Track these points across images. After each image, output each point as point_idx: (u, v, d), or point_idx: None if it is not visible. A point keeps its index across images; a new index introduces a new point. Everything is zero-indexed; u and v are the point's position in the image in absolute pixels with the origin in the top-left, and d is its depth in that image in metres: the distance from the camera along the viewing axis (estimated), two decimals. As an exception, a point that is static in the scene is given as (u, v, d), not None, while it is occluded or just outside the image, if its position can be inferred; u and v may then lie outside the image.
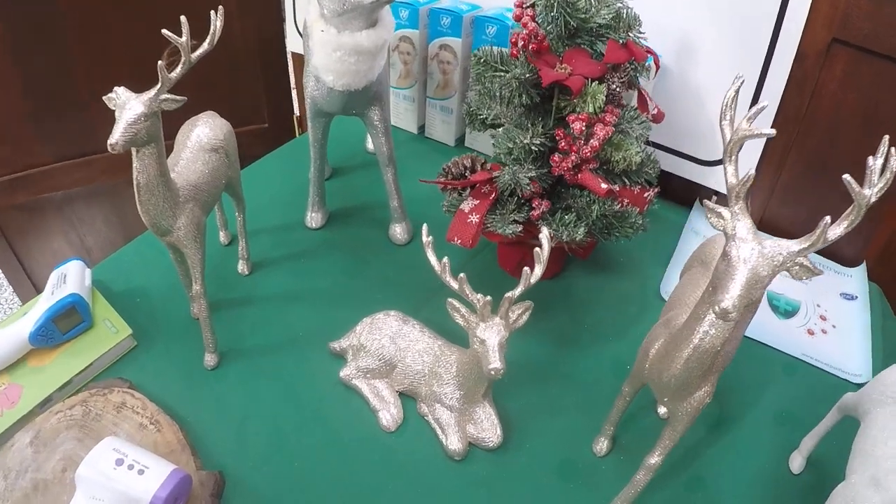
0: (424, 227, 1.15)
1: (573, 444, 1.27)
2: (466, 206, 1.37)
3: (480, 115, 1.37)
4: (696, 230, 1.75)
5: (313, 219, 1.70)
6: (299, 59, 2.25)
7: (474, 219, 1.33)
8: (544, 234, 1.18)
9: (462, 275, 1.13)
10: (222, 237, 1.63)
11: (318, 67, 1.31)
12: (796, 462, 1.24)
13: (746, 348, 1.44)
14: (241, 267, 1.56)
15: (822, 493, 0.99)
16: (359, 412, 1.31)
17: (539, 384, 1.40)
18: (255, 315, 1.47)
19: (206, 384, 1.33)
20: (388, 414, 1.34)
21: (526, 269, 1.12)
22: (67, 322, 1.32)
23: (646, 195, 1.40)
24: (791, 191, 1.70)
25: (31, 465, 1.14)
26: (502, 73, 1.29)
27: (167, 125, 1.10)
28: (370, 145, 1.97)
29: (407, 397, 1.34)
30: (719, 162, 1.72)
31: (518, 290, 1.12)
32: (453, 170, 1.44)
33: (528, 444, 1.32)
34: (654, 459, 1.07)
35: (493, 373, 1.11)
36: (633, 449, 1.26)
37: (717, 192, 1.74)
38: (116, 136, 1.01)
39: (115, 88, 1.04)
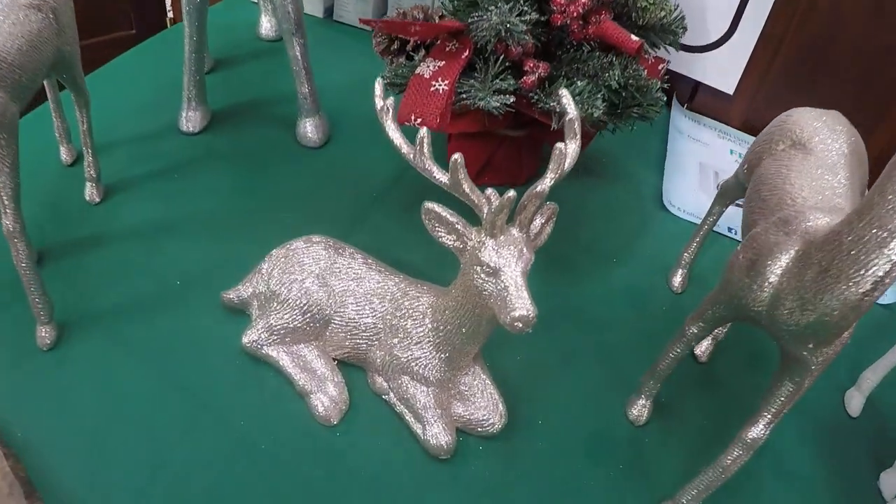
0: (378, 83, 0.68)
1: (600, 411, 0.87)
2: (427, 69, 0.80)
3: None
4: (681, 130, 1.37)
5: (190, 119, 1.17)
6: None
7: (442, 86, 0.78)
8: (565, 94, 0.64)
9: (457, 156, 0.56)
10: (64, 154, 1.08)
11: None
12: (855, 401, 0.94)
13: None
14: (89, 192, 1.03)
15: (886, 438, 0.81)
16: (278, 398, 0.81)
17: (539, 330, 0.87)
18: (109, 261, 0.95)
19: (42, 374, 0.82)
20: (325, 397, 0.78)
21: (559, 145, 0.60)
22: None
23: (660, 67, 0.97)
24: (782, 88, 1.36)
25: None
26: None
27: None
28: (264, 29, 1.46)
29: (352, 367, 0.83)
30: (706, 47, 1.34)
31: (549, 181, 0.57)
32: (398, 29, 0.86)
33: (542, 420, 0.83)
34: (758, 432, 0.70)
35: (519, 324, 0.61)
36: (681, 410, 0.89)
37: (699, 84, 1.37)
38: None
39: None
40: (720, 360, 0.93)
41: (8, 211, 0.76)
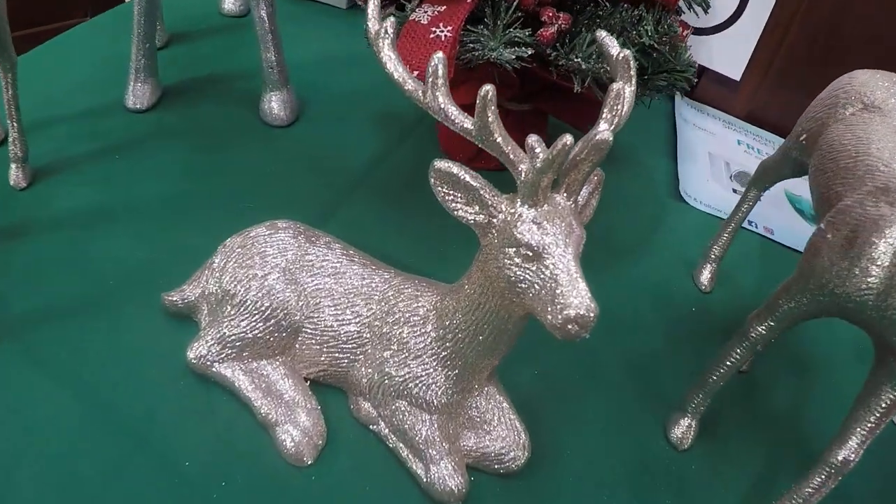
0: (372, 1, 0.47)
1: (636, 435, 0.68)
2: (423, 14, 0.62)
3: None
4: (686, 118, 1.19)
5: (137, 94, 0.96)
6: None
7: (444, 32, 0.59)
8: (604, 34, 0.51)
9: (489, 87, 0.37)
10: None
11: None
12: None
13: (786, 258, 0.94)
14: (14, 175, 0.82)
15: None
16: (234, 431, 0.60)
17: (551, 336, 0.68)
18: (29, 257, 0.73)
19: None
20: (295, 429, 0.58)
21: (615, 85, 0.43)
22: None
23: (685, 32, 0.80)
24: (789, 76, 1.19)
25: None
26: None
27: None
28: (227, 3, 1.23)
29: (330, 390, 0.62)
30: (712, 29, 1.17)
31: (608, 130, 0.37)
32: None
33: (569, 450, 0.64)
34: (848, 452, 0.55)
35: (575, 326, 0.43)
36: (728, 429, 0.70)
37: (702, 73, 1.19)
38: None
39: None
40: (762, 368, 0.75)
41: None
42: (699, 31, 1.16)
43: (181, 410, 0.60)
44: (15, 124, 0.79)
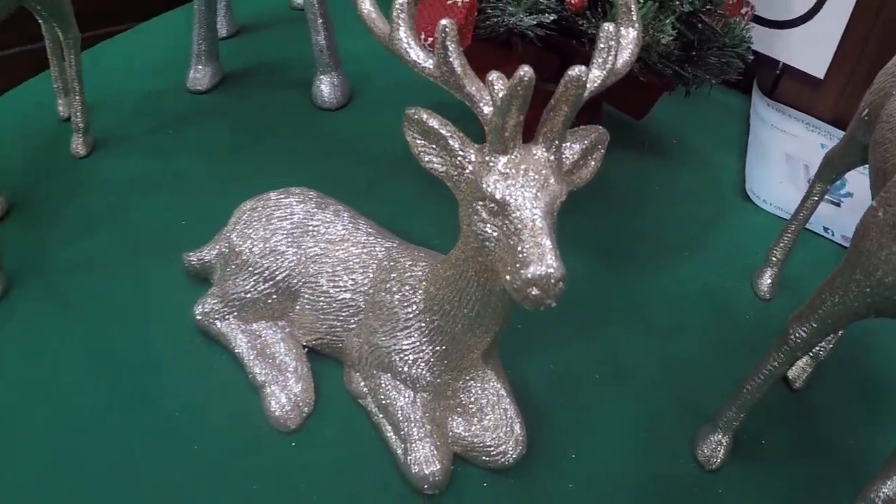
0: None
1: (658, 446, 0.61)
2: None
3: None
4: (763, 118, 1.10)
5: (198, 77, 1.00)
6: None
7: None
8: None
9: (446, 22, 0.33)
10: (60, 107, 0.94)
11: None
12: None
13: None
14: (75, 145, 0.87)
15: None
16: (227, 389, 0.60)
17: (578, 332, 0.70)
18: (80, 214, 0.80)
19: None
20: (283, 394, 0.57)
21: (607, 25, 0.42)
22: None
23: (743, 10, 0.74)
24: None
25: None
26: None
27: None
28: None
29: (328, 360, 0.60)
30: (790, 23, 1.07)
31: (595, 74, 0.33)
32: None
33: (574, 453, 0.59)
34: (889, 490, 0.46)
35: (533, 289, 0.38)
36: (766, 451, 0.62)
37: (782, 72, 1.10)
38: None
39: None
40: (821, 387, 0.67)
41: None
42: (777, 25, 1.08)
43: (182, 365, 0.62)
44: (77, 97, 0.86)
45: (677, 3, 0.61)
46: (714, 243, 0.83)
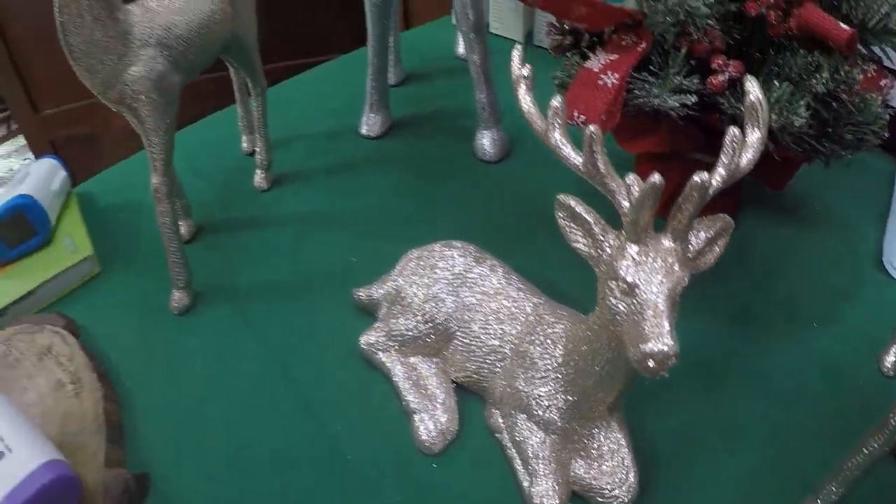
0: (516, 49, 0.54)
1: None
2: (597, 62, 0.65)
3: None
4: None
5: (369, 123, 1.10)
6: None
7: (610, 79, 0.62)
8: (750, 78, 0.52)
9: (593, 127, 0.41)
10: (244, 143, 1.07)
11: None
12: None
13: None
14: (258, 179, 0.99)
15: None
16: (382, 411, 0.69)
17: (699, 392, 0.72)
18: (260, 243, 0.90)
19: (165, 335, 0.79)
20: (431, 421, 0.65)
21: (733, 128, 0.45)
22: (16, 233, 0.85)
23: (882, 82, 0.72)
24: None
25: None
26: None
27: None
28: (461, 48, 1.36)
29: (469, 395, 0.69)
30: None
31: (718, 176, 0.40)
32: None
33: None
34: None
35: (650, 362, 0.43)
36: None
37: None
38: None
39: None
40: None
41: (156, 165, 0.73)
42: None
43: (345, 386, 0.70)
44: (262, 139, 0.97)
45: (813, 82, 0.64)
46: (845, 317, 0.81)
